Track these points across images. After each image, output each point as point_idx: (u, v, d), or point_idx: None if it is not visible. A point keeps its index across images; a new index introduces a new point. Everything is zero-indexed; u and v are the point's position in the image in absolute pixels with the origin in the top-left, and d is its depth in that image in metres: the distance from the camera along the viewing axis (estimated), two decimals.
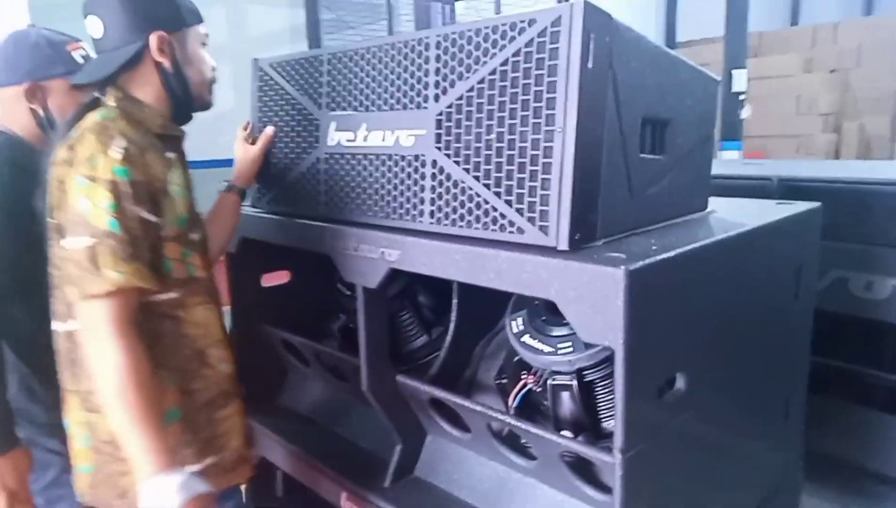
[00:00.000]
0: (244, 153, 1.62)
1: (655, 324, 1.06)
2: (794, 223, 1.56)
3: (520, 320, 1.43)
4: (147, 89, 1.31)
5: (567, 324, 1.34)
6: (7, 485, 1.52)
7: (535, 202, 1.12)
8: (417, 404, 1.52)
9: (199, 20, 1.38)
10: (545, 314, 1.40)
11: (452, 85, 1.24)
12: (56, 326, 1.31)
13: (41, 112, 1.59)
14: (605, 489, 1.22)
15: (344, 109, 1.47)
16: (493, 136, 1.18)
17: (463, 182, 1.23)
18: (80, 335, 1.19)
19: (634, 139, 1.22)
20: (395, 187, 1.36)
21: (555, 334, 1.36)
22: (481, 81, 1.19)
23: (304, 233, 1.55)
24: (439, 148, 1.27)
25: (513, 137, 1.15)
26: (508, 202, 1.16)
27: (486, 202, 1.20)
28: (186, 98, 1.35)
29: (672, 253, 1.08)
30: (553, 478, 1.32)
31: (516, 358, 1.53)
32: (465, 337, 1.66)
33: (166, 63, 1.30)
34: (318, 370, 1.85)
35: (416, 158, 1.31)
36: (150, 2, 1.29)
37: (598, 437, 1.33)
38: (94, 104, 1.29)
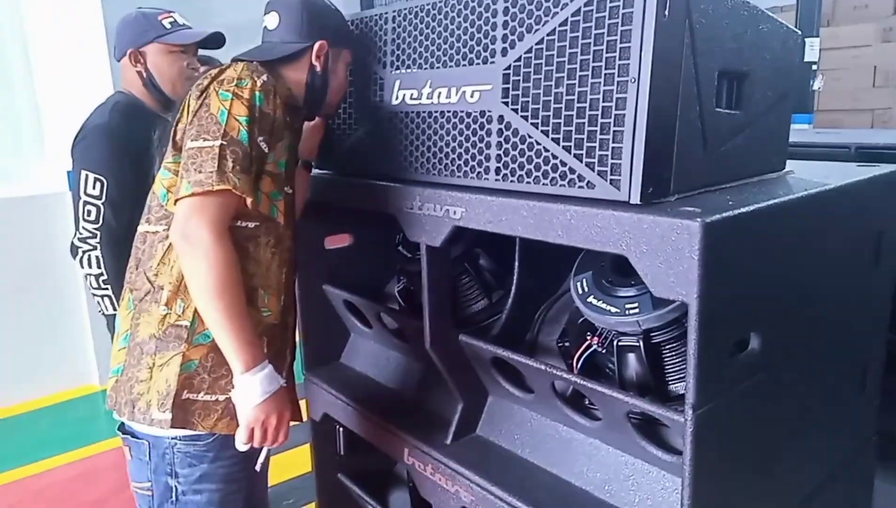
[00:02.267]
0: (307, 124, 1.64)
1: (730, 281, 1.03)
2: (877, 186, 1.49)
3: (585, 281, 1.41)
4: (292, 78, 1.43)
5: (634, 285, 1.32)
6: None
7: (606, 156, 1.10)
8: (480, 363, 1.52)
9: (352, 46, 1.53)
10: (611, 275, 1.38)
11: (521, 38, 1.21)
12: (139, 228, 1.39)
13: (144, 73, 1.94)
14: (672, 450, 1.20)
15: (409, 67, 1.46)
16: (562, 89, 1.15)
17: (530, 137, 1.21)
18: (177, 230, 1.21)
19: (710, 92, 1.18)
20: (460, 145, 1.35)
21: (621, 294, 1.34)
22: (551, 33, 1.16)
23: (367, 193, 1.56)
24: (506, 103, 1.25)
25: (583, 89, 1.12)
26: (578, 157, 1.14)
27: (555, 157, 1.18)
28: (320, 100, 1.47)
29: (749, 208, 1.05)
30: (618, 440, 1.30)
31: (580, 320, 1.52)
32: (526, 300, 1.65)
33: (318, 67, 1.43)
34: (379, 330, 1.87)
35: (482, 113, 1.30)
36: (326, 15, 1.45)
37: (665, 400, 1.31)
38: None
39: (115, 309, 1.81)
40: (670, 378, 1.34)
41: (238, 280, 1.22)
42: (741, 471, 1.20)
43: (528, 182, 1.23)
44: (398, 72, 1.49)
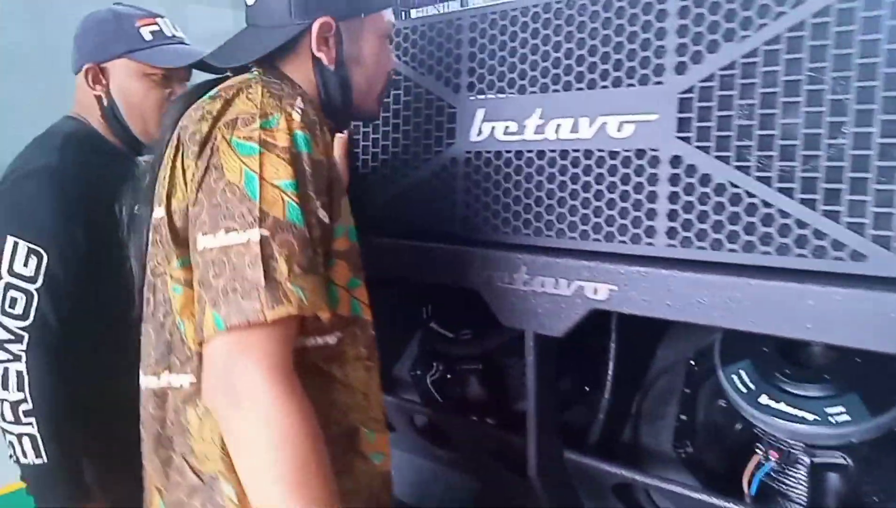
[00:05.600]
0: None
1: None
2: None
3: (744, 374, 1.06)
4: (300, 80, 0.94)
5: (825, 378, 1.00)
6: None
7: (889, 216, 0.76)
8: (591, 489, 1.13)
9: (386, 3, 0.99)
10: (785, 365, 1.04)
11: (714, 48, 0.86)
12: (145, 381, 0.90)
13: (105, 99, 1.30)
14: None
15: (501, 90, 1.07)
16: (797, 119, 0.81)
17: (736, 186, 0.86)
18: (214, 386, 0.76)
19: None
20: (600, 196, 0.97)
21: (811, 394, 1.00)
22: (773, 42, 0.82)
23: (431, 260, 1.14)
24: (686, 139, 0.89)
25: (838, 119, 0.78)
26: (830, 215, 0.80)
27: (785, 215, 0.83)
28: (345, 106, 0.98)
29: None
30: None
31: (701, 418, 1.17)
32: (623, 393, 1.28)
33: (326, 59, 0.93)
34: (406, 433, 1.42)
35: (641, 153, 0.93)
36: None
37: None
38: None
39: (39, 457, 1.15)
40: (879, 500, 1.01)
41: (323, 452, 0.76)
42: None
43: (731, 249, 0.87)
44: (481, 98, 1.09)
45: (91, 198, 1.19)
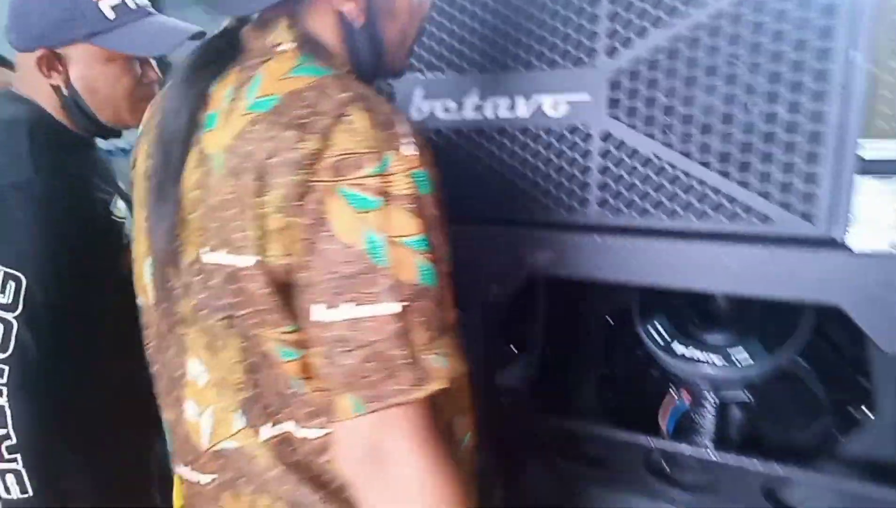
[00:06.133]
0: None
1: None
2: None
3: (659, 326, 1.19)
4: (320, 30, 0.78)
5: (728, 328, 1.14)
6: None
7: (791, 184, 0.88)
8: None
9: None
10: (695, 317, 1.18)
11: (642, 34, 0.95)
12: (252, 435, 0.78)
13: (64, 89, 1.12)
14: None
15: (439, 69, 1.12)
16: (714, 99, 0.91)
17: (660, 159, 0.96)
18: (361, 456, 0.69)
19: None
20: (536, 171, 1.05)
21: (719, 342, 1.14)
22: (696, 27, 0.91)
23: None
24: (616, 117, 0.98)
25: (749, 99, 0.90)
26: (742, 183, 0.91)
27: (703, 184, 0.93)
28: (374, 67, 0.84)
29: None
30: None
31: (622, 369, 1.30)
32: (553, 351, 1.38)
33: (349, 11, 0.77)
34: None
35: (574, 130, 1.01)
36: None
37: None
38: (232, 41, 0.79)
39: (24, 492, 1.06)
40: (776, 432, 1.17)
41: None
42: None
43: (656, 216, 0.97)
44: (421, 77, 1.13)
45: (70, 207, 1.08)
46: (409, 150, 0.68)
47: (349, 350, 0.66)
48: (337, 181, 0.65)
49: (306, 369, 0.72)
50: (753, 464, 1.02)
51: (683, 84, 0.93)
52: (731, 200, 0.92)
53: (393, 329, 0.65)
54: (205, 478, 0.81)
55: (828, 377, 1.13)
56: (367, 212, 0.65)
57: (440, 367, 0.68)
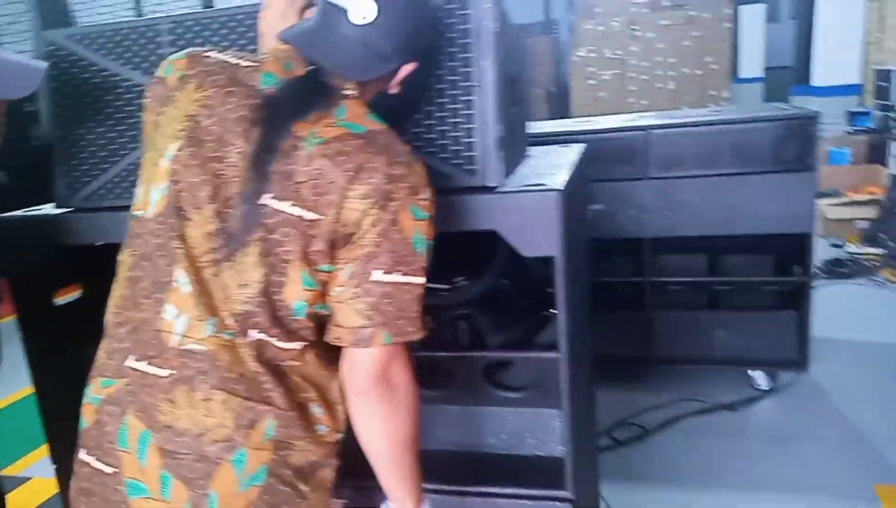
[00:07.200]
0: None
1: (571, 235, 1.32)
2: None
3: None
4: (367, 87, 1.12)
5: (455, 260, 1.53)
6: None
7: (460, 151, 1.28)
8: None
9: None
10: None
11: None
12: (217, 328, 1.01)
13: None
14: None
15: None
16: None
17: None
18: (375, 379, 1.03)
19: (510, 95, 1.43)
20: None
21: (445, 271, 1.53)
22: None
23: None
24: None
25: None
26: (433, 154, 1.29)
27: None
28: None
29: (567, 177, 1.33)
30: (470, 397, 1.50)
31: None
32: None
33: (392, 87, 1.16)
34: None
35: None
36: (434, 27, 1.22)
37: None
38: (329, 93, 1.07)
39: None
40: (491, 332, 1.58)
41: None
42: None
43: None
44: None
45: None
46: (430, 186, 1.07)
47: (390, 303, 1.01)
48: (413, 200, 1.02)
49: (316, 298, 1.03)
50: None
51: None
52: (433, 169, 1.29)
53: (417, 293, 1.04)
54: (163, 372, 1.02)
55: (525, 290, 1.57)
56: (420, 221, 1.03)
57: (422, 326, 1.06)
